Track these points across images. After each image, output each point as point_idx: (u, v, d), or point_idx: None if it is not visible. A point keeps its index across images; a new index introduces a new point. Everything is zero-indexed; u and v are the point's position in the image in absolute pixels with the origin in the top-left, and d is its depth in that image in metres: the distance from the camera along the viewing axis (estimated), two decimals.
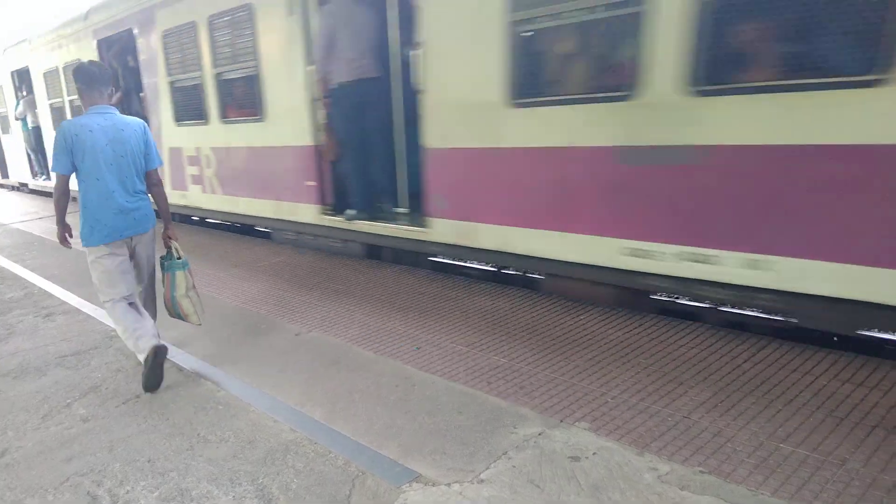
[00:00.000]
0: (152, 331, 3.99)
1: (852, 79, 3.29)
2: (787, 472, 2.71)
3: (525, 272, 6.19)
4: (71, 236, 4.11)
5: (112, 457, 3.18)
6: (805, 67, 3.46)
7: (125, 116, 4.07)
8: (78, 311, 5.59)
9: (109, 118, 3.93)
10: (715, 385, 3.53)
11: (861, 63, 3.23)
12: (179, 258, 4.27)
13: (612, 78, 4.27)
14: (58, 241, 4.13)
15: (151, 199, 4.23)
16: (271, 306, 5.43)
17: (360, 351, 4.32)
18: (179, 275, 4.26)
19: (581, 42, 4.42)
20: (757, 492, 2.59)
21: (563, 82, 4.55)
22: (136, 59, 9.08)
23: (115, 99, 6.87)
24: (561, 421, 3.25)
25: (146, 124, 4.13)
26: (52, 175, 3.91)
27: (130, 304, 4.09)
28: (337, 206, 6.75)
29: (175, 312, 4.36)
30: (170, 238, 4.28)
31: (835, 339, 4.26)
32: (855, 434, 2.97)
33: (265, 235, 8.58)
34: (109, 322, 4.74)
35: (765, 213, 3.77)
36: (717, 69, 3.77)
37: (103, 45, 9.76)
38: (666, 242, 4.21)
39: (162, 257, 4.31)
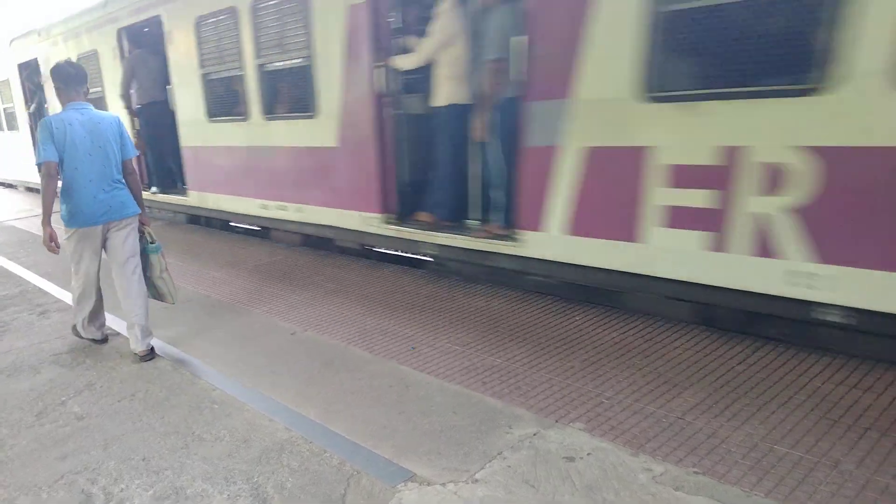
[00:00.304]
0: (103, 320, 4.70)
1: (303, 115, 6.64)
2: (781, 474, 2.72)
3: (249, 225, 8.83)
4: (58, 246, 4.19)
5: (106, 455, 3.18)
6: (292, 107, 6.87)
7: (100, 111, 4.33)
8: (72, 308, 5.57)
9: (87, 113, 4.19)
10: (710, 386, 3.55)
11: (306, 108, 6.57)
12: (153, 242, 4.52)
13: (241, 108, 7.42)
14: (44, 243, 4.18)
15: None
16: (266, 306, 5.43)
17: (355, 351, 4.32)
18: (154, 258, 4.52)
19: (229, 87, 7.62)
20: (751, 493, 2.60)
21: (227, 109, 7.70)
22: (40, 80, 12.17)
23: (31, 108, 10.85)
24: (556, 421, 3.25)
25: (119, 118, 4.40)
26: (38, 167, 4.07)
27: (92, 291, 4.47)
28: (149, 185, 9.63)
29: (151, 293, 4.58)
30: (143, 224, 4.50)
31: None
32: (848, 436, 2.98)
33: (260, 234, 8.61)
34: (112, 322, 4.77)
35: (296, 182, 7.02)
36: (269, 106, 7.05)
37: (22, 68, 12.69)
38: (272, 200, 7.41)
39: None
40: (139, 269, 4.44)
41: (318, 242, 7.51)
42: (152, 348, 4.41)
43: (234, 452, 3.13)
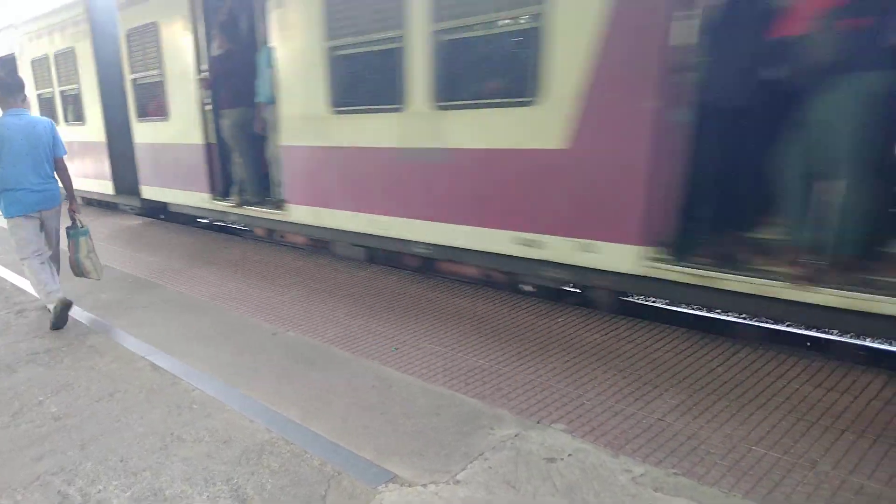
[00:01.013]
0: (58, 286, 5.10)
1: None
2: (759, 475, 2.75)
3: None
4: None
5: (84, 455, 3.14)
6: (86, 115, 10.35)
7: (36, 116, 5.11)
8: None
9: (24, 118, 4.91)
10: (689, 388, 3.57)
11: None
12: (82, 227, 5.27)
13: (79, 115, 10.23)
14: None
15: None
16: (248, 305, 5.39)
17: (337, 351, 4.31)
18: (82, 240, 5.27)
19: (68, 103, 10.59)
20: (729, 493, 2.63)
21: (75, 116, 10.43)
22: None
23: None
24: (538, 422, 3.26)
25: (53, 122, 5.16)
26: None
27: (42, 262, 5.07)
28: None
29: (79, 271, 5.32)
30: (73, 211, 5.25)
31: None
32: (825, 437, 3.02)
33: (244, 234, 8.56)
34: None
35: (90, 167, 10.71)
36: (68, 116, 10.75)
37: None
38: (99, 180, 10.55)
39: (68, 227, 5.25)
40: (57, 247, 5.33)
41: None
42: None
43: (213, 453, 3.10)
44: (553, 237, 4.56)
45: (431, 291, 5.56)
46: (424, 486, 2.76)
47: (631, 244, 4.17)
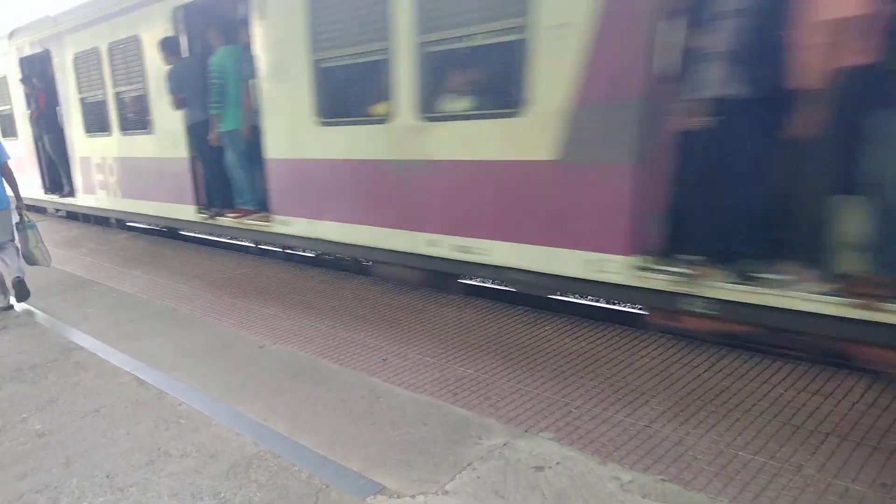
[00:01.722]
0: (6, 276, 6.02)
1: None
2: (745, 480, 2.77)
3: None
4: None
5: (69, 472, 3.11)
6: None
7: None
8: (35, 324, 5.45)
9: None
10: (676, 395, 3.60)
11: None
12: (28, 222, 6.08)
13: (19, 131, 11.69)
14: None
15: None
16: (234, 318, 5.37)
17: (324, 363, 4.30)
18: (30, 233, 6.09)
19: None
20: (716, 499, 2.64)
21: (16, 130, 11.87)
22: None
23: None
24: (526, 431, 3.27)
25: None
26: None
27: None
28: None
29: (31, 260, 6.12)
30: (20, 209, 6.02)
31: None
32: (810, 441, 3.05)
33: (228, 246, 8.53)
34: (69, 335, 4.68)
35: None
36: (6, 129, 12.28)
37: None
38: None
39: (17, 223, 6.02)
40: (14, 242, 5.95)
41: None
42: (22, 282, 5.80)
43: (201, 468, 3.08)
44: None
45: (418, 302, 5.56)
46: (413, 497, 2.76)
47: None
